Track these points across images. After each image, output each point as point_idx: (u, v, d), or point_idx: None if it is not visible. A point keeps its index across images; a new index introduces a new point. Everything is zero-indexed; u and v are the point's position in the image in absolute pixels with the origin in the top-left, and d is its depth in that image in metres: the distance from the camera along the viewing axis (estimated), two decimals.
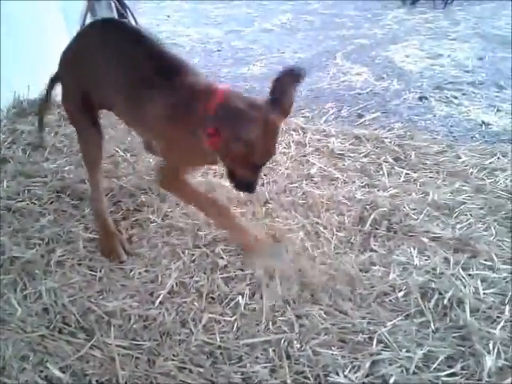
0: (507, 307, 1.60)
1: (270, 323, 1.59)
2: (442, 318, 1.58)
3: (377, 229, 1.99)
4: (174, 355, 1.49)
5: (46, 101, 2.31)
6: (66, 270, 1.83)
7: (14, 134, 2.83)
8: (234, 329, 1.57)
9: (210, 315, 1.62)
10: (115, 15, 4.26)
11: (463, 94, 3.98)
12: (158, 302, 1.68)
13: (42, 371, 1.46)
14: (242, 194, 2.06)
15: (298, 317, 1.61)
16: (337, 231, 1.99)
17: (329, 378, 1.41)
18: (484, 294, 1.66)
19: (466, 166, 2.42)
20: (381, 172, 2.40)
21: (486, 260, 1.81)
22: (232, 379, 1.42)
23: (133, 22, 4.29)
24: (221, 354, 1.49)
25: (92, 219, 2.08)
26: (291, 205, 2.13)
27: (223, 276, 1.77)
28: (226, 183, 2.00)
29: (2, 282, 1.78)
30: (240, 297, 1.68)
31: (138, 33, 1.78)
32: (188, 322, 1.60)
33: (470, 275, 1.74)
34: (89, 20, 3.98)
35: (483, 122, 3.43)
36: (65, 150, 2.67)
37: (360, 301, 1.66)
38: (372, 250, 1.89)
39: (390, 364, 1.44)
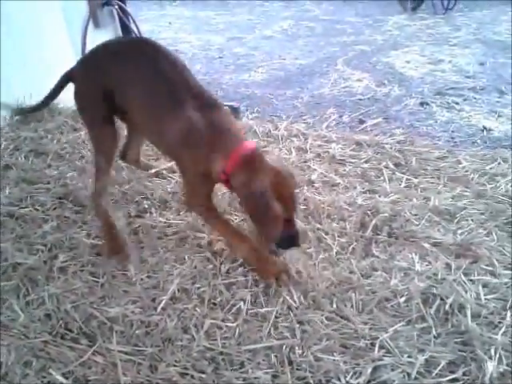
0: (509, 312, 1.60)
1: (272, 329, 1.59)
2: (443, 323, 1.58)
3: (378, 234, 2.00)
4: (176, 361, 1.49)
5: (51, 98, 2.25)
6: (68, 276, 1.84)
7: (17, 141, 2.84)
8: (236, 334, 1.57)
9: (212, 321, 1.62)
10: (117, 22, 4.30)
11: (464, 100, 4.00)
12: (160, 307, 1.68)
13: (44, 377, 1.46)
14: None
15: (300, 323, 1.61)
16: (338, 237, 1.99)
17: None
18: (485, 299, 1.66)
19: (466, 171, 2.42)
20: (382, 178, 2.40)
21: (487, 265, 1.81)
22: None
23: (135, 29, 4.33)
24: (223, 359, 1.49)
25: (95, 225, 2.09)
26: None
27: (225, 282, 1.77)
28: None
29: (4, 288, 1.79)
30: (242, 302, 1.68)
31: (174, 60, 1.85)
32: (190, 328, 1.60)
33: (471, 280, 1.74)
34: (91, 28, 4.02)
35: (484, 128, 3.45)
36: (67, 156, 2.69)
37: (361, 306, 1.66)
38: (373, 256, 1.89)
39: (392, 369, 1.44)
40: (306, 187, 2.32)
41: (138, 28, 4.25)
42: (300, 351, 1.51)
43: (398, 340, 1.53)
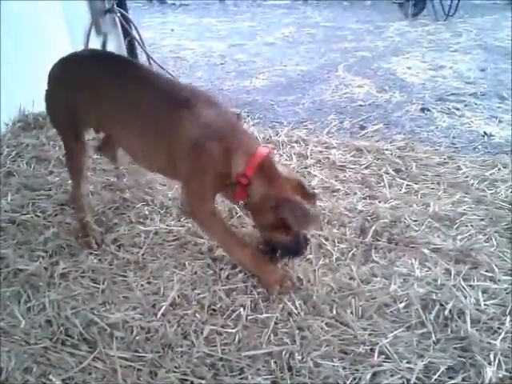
0: (508, 318, 1.60)
1: (272, 335, 1.59)
2: (442, 329, 1.58)
3: (378, 240, 2.00)
4: (175, 367, 1.50)
5: None
6: (69, 283, 1.85)
7: (19, 148, 2.87)
8: (236, 341, 1.58)
9: (212, 327, 1.62)
10: (120, 30, 4.34)
11: (465, 106, 4.00)
12: (160, 313, 1.68)
13: (44, 383, 1.47)
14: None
15: (300, 329, 1.61)
16: (338, 243, 2.00)
17: None
18: (485, 305, 1.66)
19: (466, 177, 2.43)
20: (382, 183, 2.41)
21: (486, 271, 1.81)
22: None
23: (137, 37, 4.36)
24: (222, 365, 1.50)
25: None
26: None
27: (225, 288, 1.78)
28: None
29: (5, 294, 1.80)
30: (242, 308, 1.69)
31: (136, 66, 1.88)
32: (190, 334, 1.60)
33: (470, 286, 1.74)
34: (93, 35, 4.06)
35: (485, 133, 3.44)
36: None
37: (361, 312, 1.66)
38: (373, 262, 1.89)
39: (392, 375, 1.44)
40: None
41: (139, 35, 4.27)
42: (299, 357, 1.51)
43: (397, 346, 1.53)
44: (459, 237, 1.99)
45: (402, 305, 1.67)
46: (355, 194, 2.32)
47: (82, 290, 1.81)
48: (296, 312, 1.67)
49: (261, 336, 1.59)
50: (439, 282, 1.75)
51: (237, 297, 1.74)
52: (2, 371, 1.50)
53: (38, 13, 3.37)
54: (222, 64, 5.71)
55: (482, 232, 2.02)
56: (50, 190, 2.41)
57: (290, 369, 1.48)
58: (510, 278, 1.78)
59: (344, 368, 1.47)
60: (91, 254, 2.00)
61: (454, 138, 3.42)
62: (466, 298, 1.68)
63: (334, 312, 1.66)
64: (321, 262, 1.89)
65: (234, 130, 1.75)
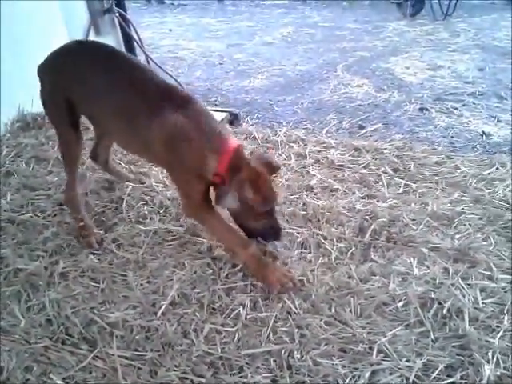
0: (506, 316, 1.60)
1: (271, 333, 1.60)
2: (441, 327, 1.59)
3: (376, 239, 2.01)
4: (175, 366, 1.50)
5: None
6: (69, 282, 1.85)
7: (18, 148, 2.87)
8: (235, 339, 1.58)
9: (212, 326, 1.63)
10: (118, 30, 4.33)
11: (464, 105, 4.01)
12: (159, 312, 1.69)
13: (45, 382, 1.47)
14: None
15: (299, 327, 1.62)
16: (337, 242, 2.00)
17: None
18: (483, 303, 1.66)
19: (464, 176, 2.43)
20: (380, 183, 2.42)
21: (485, 270, 1.82)
22: None
23: (135, 37, 4.35)
24: (222, 364, 1.51)
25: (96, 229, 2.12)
26: (292, 216, 2.15)
27: (224, 287, 1.79)
28: None
29: (5, 294, 1.81)
30: (241, 307, 1.69)
31: (133, 61, 1.90)
32: (189, 333, 1.61)
33: (469, 285, 1.75)
34: (92, 35, 4.05)
35: (484, 133, 3.46)
36: None
37: (360, 311, 1.67)
38: (372, 261, 1.90)
39: (390, 373, 1.45)
40: (305, 192, 2.33)
41: (138, 35, 4.27)
42: (299, 355, 1.52)
43: (396, 344, 1.54)
44: (457, 236, 2.00)
45: (401, 303, 1.68)
46: (354, 193, 2.33)
47: (82, 289, 1.82)
48: (295, 311, 1.68)
49: (260, 334, 1.60)
50: (438, 280, 1.76)
51: (236, 295, 1.75)
52: (3, 370, 1.51)
53: (37, 13, 3.36)
54: (220, 64, 5.72)
55: (480, 231, 2.03)
56: (49, 189, 2.42)
57: (289, 367, 1.49)
58: (508, 276, 1.78)
59: (343, 366, 1.48)
60: (91, 253, 2.00)
61: (452, 137, 3.43)
62: (464, 296, 1.69)
63: (333, 311, 1.67)
64: (320, 261, 1.90)
65: (206, 130, 1.76)
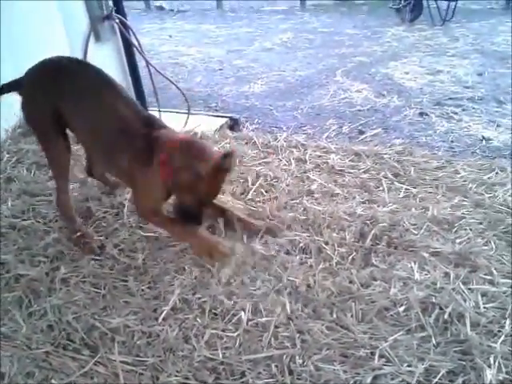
0: (508, 321, 1.60)
1: (273, 339, 1.60)
2: (442, 332, 1.59)
3: (377, 244, 2.01)
4: (177, 371, 1.50)
5: None
6: (70, 288, 1.85)
7: (19, 154, 2.88)
8: (237, 344, 1.58)
9: (213, 331, 1.63)
10: (119, 37, 4.34)
11: (463, 110, 4.03)
12: (161, 318, 1.69)
13: None
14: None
15: (300, 332, 1.62)
16: (338, 247, 2.00)
17: None
18: (484, 308, 1.66)
19: (464, 181, 2.44)
20: (381, 188, 2.42)
21: (486, 274, 1.81)
22: None
23: (136, 43, 4.37)
24: (223, 369, 1.50)
25: (97, 235, 2.13)
26: (292, 221, 2.16)
27: (226, 292, 1.79)
28: None
29: (7, 300, 1.81)
30: (242, 312, 1.69)
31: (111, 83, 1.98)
32: (191, 338, 1.61)
33: (470, 289, 1.75)
34: (92, 42, 4.06)
35: (483, 137, 3.48)
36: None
37: (361, 316, 1.67)
38: (373, 266, 1.90)
39: (392, 379, 1.45)
40: (305, 197, 2.34)
41: (138, 42, 4.27)
42: (300, 361, 1.52)
43: (397, 349, 1.54)
44: (458, 240, 2.00)
45: (402, 308, 1.67)
46: (354, 198, 2.33)
47: (83, 295, 1.82)
48: (296, 316, 1.68)
49: (261, 340, 1.59)
50: (438, 285, 1.76)
51: (237, 300, 1.75)
52: (5, 376, 1.51)
53: (36, 20, 3.38)
54: (220, 70, 5.75)
55: (480, 235, 2.03)
56: (50, 195, 2.42)
57: (290, 372, 1.48)
58: (509, 280, 1.78)
59: (345, 371, 1.48)
60: (92, 259, 2.00)
61: (452, 142, 3.45)
62: (465, 301, 1.69)
63: (335, 316, 1.67)
64: (321, 266, 1.90)
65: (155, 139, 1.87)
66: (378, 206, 2.25)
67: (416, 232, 2.05)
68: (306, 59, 5.97)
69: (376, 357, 1.51)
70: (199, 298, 1.76)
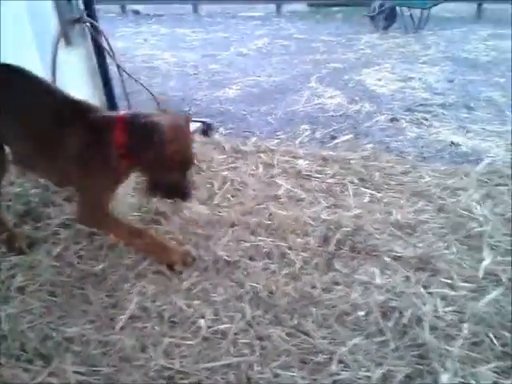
0: (465, 325, 1.61)
1: (232, 346, 1.57)
2: (401, 336, 1.59)
3: (341, 249, 2.01)
4: (132, 381, 1.47)
5: None
6: (26, 296, 1.80)
7: None
8: (195, 353, 1.55)
9: (171, 339, 1.60)
10: (89, 40, 4.29)
11: (433, 116, 4.07)
12: (118, 327, 1.65)
13: None
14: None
15: (260, 339, 1.60)
16: (302, 252, 2.00)
17: None
18: (443, 311, 1.67)
19: (429, 185, 2.46)
20: (346, 192, 2.43)
21: (446, 278, 1.82)
22: None
23: (107, 48, 4.32)
24: (180, 378, 1.47)
25: (55, 243, 2.07)
26: (257, 226, 2.14)
27: (186, 299, 1.76)
28: None
29: None
30: (202, 320, 1.67)
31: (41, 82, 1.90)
32: (148, 347, 1.57)
33: (429, 293, 1.75)
34: (62, 47, 4.00)
35: (453, 143, 3.51)
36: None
37: (322, 321, 1.66)
38: (335, 270, 1.90)
39: None
40: (271, 202, 2.33)
41: (110, 46, 4.23)
42: (259, 368, 1.50)
43: (356, 354, 1.53)
44: (420, 244, 2.01)
45: (362, 313, 1.67)
46: (320, 203, 2.33)
47: (39, 303, 1.77)
48: (257, 322, 1.66)
49: (220, 347, 1.57)
50: (399, 289, 1.76)
51: (198, 307, 1.72)
52: None
53: (4, 26, 3.31)
54: (195, 74, 5.72)
55: (442, 239, 2.04)
56: (10, 200, 2.36)
57: (248, 380, 1.46)
58: (468, 284, 1.80)
59: (303, 377, 1.46)
60: (50, 266, 1.95)
61: (422, 147, 3.48)
62: (424, 305, 1.69)
63: (295, 321, 1.66)
64: (284, 272, 1.89)
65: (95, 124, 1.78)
66: (343, 211, 2.25)
67: (379, 236, 2.06)
68: (281, 65, 5.98)
69: (334, 362, 1.50)
70: (159, 306, 1.73)
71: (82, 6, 4.06)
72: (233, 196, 2.39)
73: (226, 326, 1.65)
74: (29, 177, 2.59)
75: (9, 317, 1.71)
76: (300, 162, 2.72)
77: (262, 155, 2.81)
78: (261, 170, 2.65)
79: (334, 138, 3.69)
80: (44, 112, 1.82)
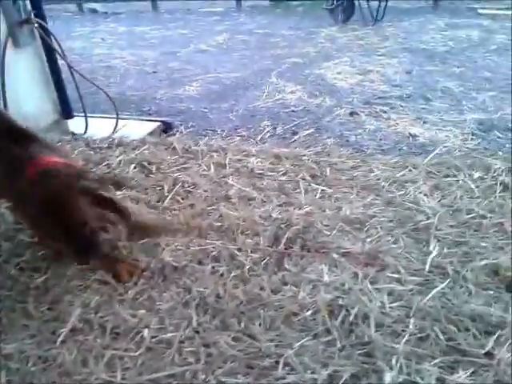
0: (412, 320, 1.60)
1: (177, 355, 1.53)
2: (347, 335, 1.57)
3: (291, 247, 1.99)
4: None
5: None
6: None
7: None
8: (138, 364, 1.51)
9: (113, 352, 1.55)
10: (39, 41, 4.15)
11: (391, 108, 4.11)
12: (59, 341, 1.59)
13: None
14: None
15: (206, 346, 1.56)
16: (251, 252, 1.96)
17: None
18: (390, 307, 1.66)
19: (378, 179, 2.46)
20: (298, 190, 2.40)
21: (393, 273, 1.82)
22: None
23: (58, 49, 4.19)
24: None
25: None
26: (207, 228, 2.10)
27: (130, 309, 1.71)
28: None
29: None
30: (146, 330, 1.62)
31: None
32: (89, 361, 1.52)
33: (377, 289, 1.74)
34: (11, 48, 3.86)
35: (410, 134, 3.54)
36: None
37: (269, 323, 1.63)
38: (285, 270, 1.87)
39: None
40: (222, 203, 2.29)
41: (60, 46, 4.11)
42: (203, 376, 1.46)
43: (303, 356, 1.50)
44: (368, 239, 2.00)
45: (309, 312, 1.65)
46: (271, 201, 2.30)
47: None
48: (204, 328, 1.62)
49: (164, 357, 1.53)
50: (346, 286, 1.75)
51: (142, 317, 1.67)
52: None
53: None
54: (154, 72, 5.64)
55: (390, 233, 2.04)
56: None
57: None
58: (415, 278, 1.80)
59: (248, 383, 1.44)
60: None
61: (380, 140, 3.50)
62: (371, 301, 1.68)
63: (242, 325, 1.62)
64: (232, 274, 1.85)
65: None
66: (294, 209, 2.23)
67: (328, 233, 2.04)
68: (242, 61, 5.94)
69: (280, 366, 1.48)
70: (101, 317, 1.68)
71: (29, 7, 3.93)
72: (183, 198, 2.34)
73: (171, 334, 1.60)
74: None
75: None
76: (252, 160, 2.69)
77: (214, 155, 2.77)
78: (212, 170, 2.60)
79: (295, 133, 3.69)
80: None
